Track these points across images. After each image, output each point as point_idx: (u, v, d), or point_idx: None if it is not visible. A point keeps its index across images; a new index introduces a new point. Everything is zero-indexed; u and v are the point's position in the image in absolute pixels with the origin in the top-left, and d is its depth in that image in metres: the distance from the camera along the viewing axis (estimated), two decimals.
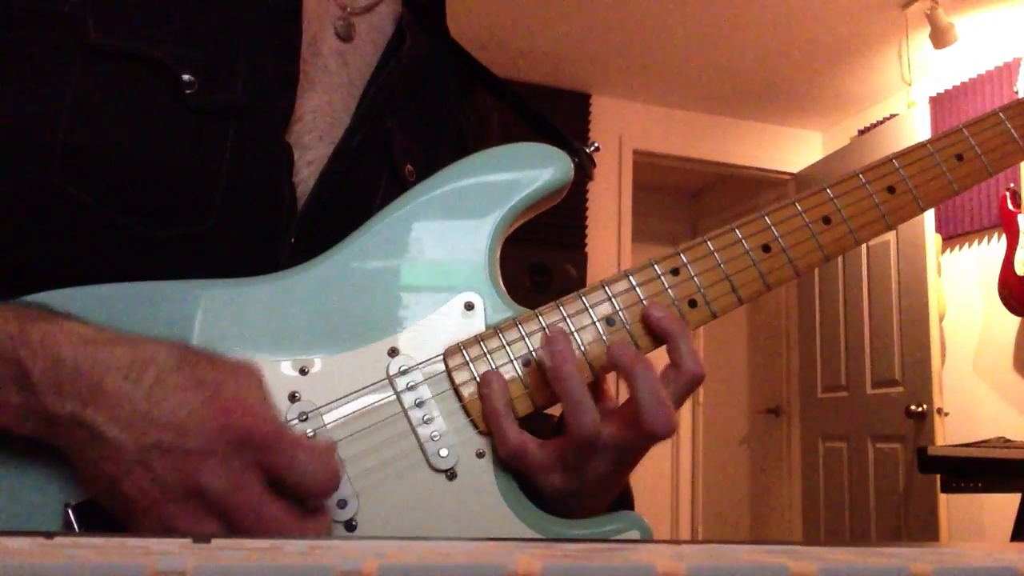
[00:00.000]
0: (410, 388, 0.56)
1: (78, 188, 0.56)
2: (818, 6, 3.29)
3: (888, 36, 3.50)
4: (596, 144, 0.79)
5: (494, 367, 0.58)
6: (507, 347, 0.58)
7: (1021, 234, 3.03)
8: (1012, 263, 3.03)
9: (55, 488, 0.49)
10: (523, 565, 0.24)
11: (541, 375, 0.57)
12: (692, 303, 0.62)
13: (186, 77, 0.59)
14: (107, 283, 0.55)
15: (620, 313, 0.60)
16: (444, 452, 0.56)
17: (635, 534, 0.57)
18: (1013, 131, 0.72)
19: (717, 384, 5.16)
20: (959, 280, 3.54)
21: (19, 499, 0.49)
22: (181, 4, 0.63)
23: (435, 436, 0.56)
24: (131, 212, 0.57)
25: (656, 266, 0.62)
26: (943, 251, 3.58)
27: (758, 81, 3.99)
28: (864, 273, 3.81)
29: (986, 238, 3.43)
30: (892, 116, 3.85)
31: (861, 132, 4.14)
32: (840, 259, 3.65)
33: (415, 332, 0.58)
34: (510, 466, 0.57)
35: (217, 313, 0.56)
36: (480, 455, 0.56)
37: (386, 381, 0.56)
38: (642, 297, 0.61)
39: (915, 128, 3.42)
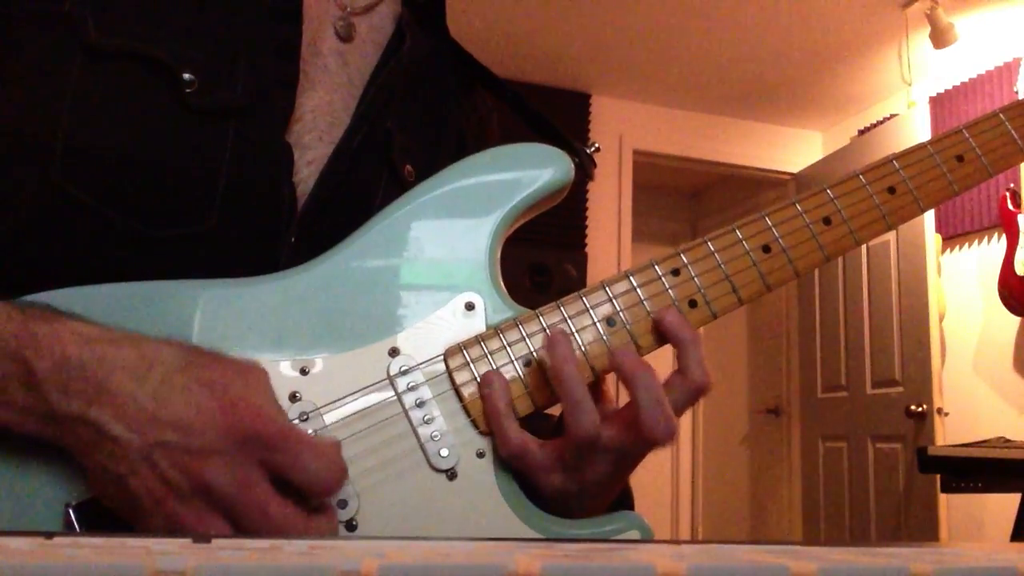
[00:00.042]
0: (411, 388, 0.56)
1: (78, 188, 0.56)
2: (818, 6, 3.29)
3: (888, 36, 3.50)
4: (596, 145, 0.79)
5: (495, 367, 0.58)
6: (508, 347, 0.58)
7: (1021, 234, 3.03)
8: (1012, 263, 3.03)
9: (55, 488, 0.49)
10: (523, 565, 0.24)
11: (542, 375, 0.57)
12: (692, 303, 0.62)
13: (186, 77, 0.59)
14: (107, 283, 0.55)
15: (621, 314, 0.60)
16: (445, 452, 0.56)
17: (635, 534, 0.57)
18: (1013, 132, 0.72)
19: (717, 384, 5.05)
20: (959, 280, 3.54)
21: (19, 499, 0.49)
22: (181, 4, 0.63)
23: (435, 436, 0.56)
24: (131, 212, 0.57)
25: (657, 266, 0.62)
26: (943, 251, 3.58)
27: (758, 81, 3.99)
28: (864, 273, 3.81)
29: (986, 238, 3.43)
30: (892, 116, 3.85)
31: (861, 132, 4.14)
32: (840, 259, 3.65)
33: (416, 332, 0.58)
34: (511, 466, 0.57)
35: (217, 313, 0.56)
36: (480, 455, 0.56)
37: (387, 381, 0.56)
38: (643, 297, 0.61)
39: (915, 128, 3.42)
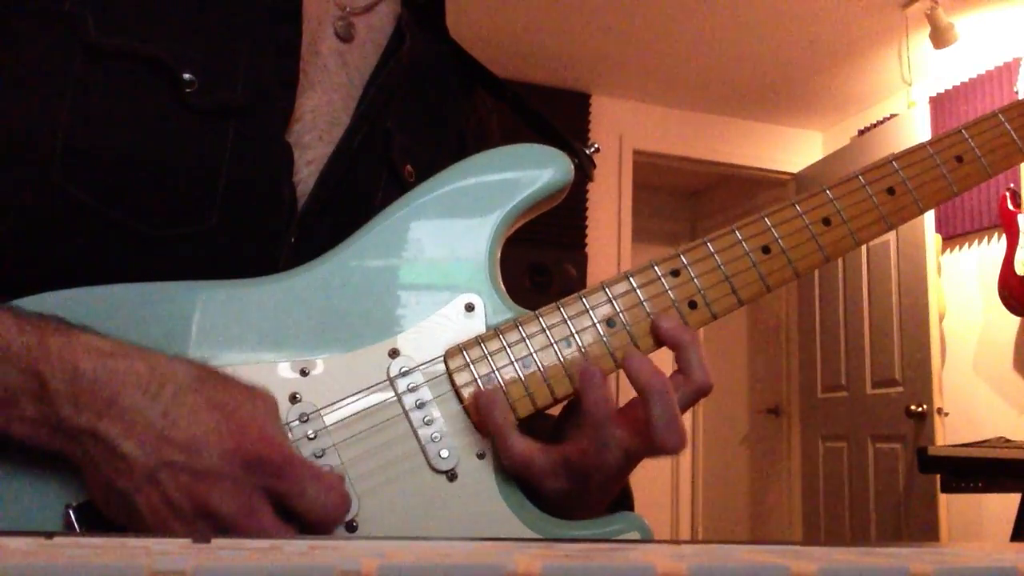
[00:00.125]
0: (411, 389, 0.56)
1: (78, 188, 0.56)
2: (818, 6, 3.29)
3: (888, 36, 3.50)
4: (596, 145, 0.79)
5: (495, 368, 0.58)
6: (508, 348, 0.58)
7: (1021, 234, 3.03)
8: (1012, 263, 3.03)
9: (55, 489, 0.49)
10: (523, 565, 0.24)
11: (542, 376, 0.57)
12: (692, 304, 0.62)
13: (186, 76, 0.59)
14: (107, 283, 0.55)
15: (621, 315, 0.60)
16: (445, 453, 0.56)
17: (635, 534, 0.57)
18: (1012, 132, 0.72)
19: (717, 384, 5.08)
20: (959, 280, 3.54)
21: (19, 500, 0.49)
22: (181, 3, 0.63)
23: (436, 437, 0.56)
24: (131, 212, 0.57)
25: (656, 267, 0.62)
26: (943, 251, 3.58)
27: (758, 81, 3.99)
28: (864, 273, 3.81)
29: (986, 238, 3.43)
30: (892, 116, 3.85)
31: (861, 132, 4.14)
32: (840, 259, 3.65)
33: (416, 333, 0.58)
34: (516, 475, 0.57)
35: (217, 314, 0.56)
36: (481, 456, 0.56)
37: (387, 382, 0.56)
38: (643, 298, 0.61)
39: (915, 128, 3.42)
